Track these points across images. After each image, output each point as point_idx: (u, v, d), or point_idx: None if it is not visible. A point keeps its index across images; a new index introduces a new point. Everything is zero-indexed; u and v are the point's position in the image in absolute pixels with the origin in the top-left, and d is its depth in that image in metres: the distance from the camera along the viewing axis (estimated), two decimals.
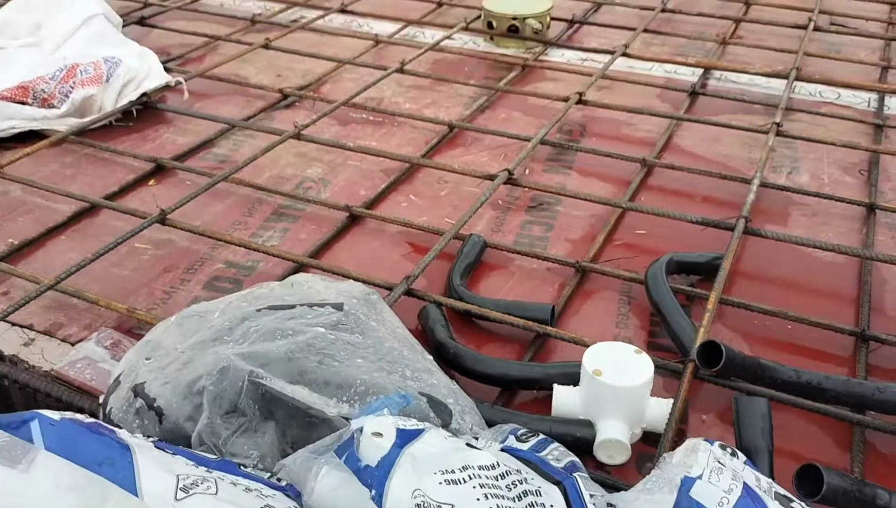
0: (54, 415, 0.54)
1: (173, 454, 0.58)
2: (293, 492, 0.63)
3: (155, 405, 0.71)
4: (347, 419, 0.71)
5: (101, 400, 0.83)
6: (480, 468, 0.58)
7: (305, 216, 1.24)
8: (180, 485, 0.49)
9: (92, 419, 0.56)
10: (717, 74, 1.76)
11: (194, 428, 0.69)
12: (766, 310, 0.99)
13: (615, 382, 0.79)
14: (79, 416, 0.57)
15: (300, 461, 0.64)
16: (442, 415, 0.73)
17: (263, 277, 1.09)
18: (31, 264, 1.12)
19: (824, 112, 1.59)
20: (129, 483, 0.49)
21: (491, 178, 1.26)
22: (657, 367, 0.84)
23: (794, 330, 0.99)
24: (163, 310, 1.03)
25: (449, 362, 0.90)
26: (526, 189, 1.27)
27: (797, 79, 1.65)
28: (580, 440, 0.79)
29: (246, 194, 1.30)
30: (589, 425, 0.80)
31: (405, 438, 0.60)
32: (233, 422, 0.69)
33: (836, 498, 0.70)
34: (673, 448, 0.78)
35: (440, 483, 0.56)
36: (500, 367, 0.87)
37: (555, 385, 0.84)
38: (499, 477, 0.57)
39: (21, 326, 1.00)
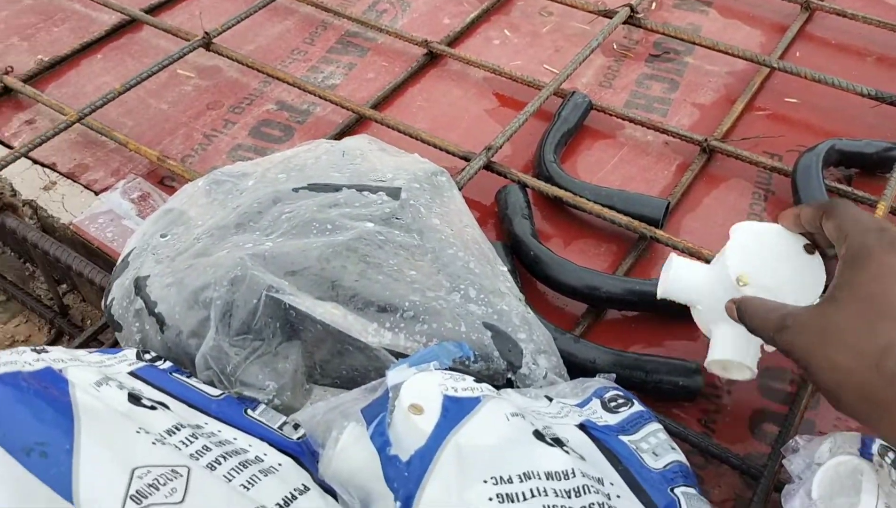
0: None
1: (151, 406, 0.45)
2: (305, 451, 0.50)
3: (156, 310, 0.57)
4: (391, 351, 0.56)
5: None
6: (549, 476, 0.42)
7: (376, 49, 1.04)
8: (132, 490, 0.36)
9: (45, 366, 0.43)
10: None
11: (199, 346, 0.56)
12: None
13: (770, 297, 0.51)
14: (27, 358, 0.43)
15: (320, 416, 0.50)
16: (509, 356, 0.57)
17: (319, 124, 0.92)
18: (61, 88, 0.98)
19: None
20: (63, 485, 0.35)
21: (608, 15, 1.01)
22: None
23: None
24: (201, 159, 0.88)
25: (526, 264, 0.72)
26: (650, 31, 1.02)
27: None
28: (683, 390, 0.63)
29: (309, 14, 1.09)
30: (697, 372, 0.63)
31: (453, 416, 0.45)
32: (246, 345, 0.55)
33: None
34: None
35: (490, 500, 0.41)
36: (590, 280, 0.70)
37: (672, 256, 0.60)
38: (572, 494, 0.42)
39: (43, 165, 0.88)
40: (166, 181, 0.85)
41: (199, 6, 1.10)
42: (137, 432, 0.40)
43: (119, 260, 0.66)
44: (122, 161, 0.87)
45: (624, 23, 1.00)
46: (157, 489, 0.37)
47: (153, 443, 0.40)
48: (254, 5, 1.01)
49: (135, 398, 0.44)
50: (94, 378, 0.44)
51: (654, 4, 1.10)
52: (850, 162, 0.83)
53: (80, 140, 0.90)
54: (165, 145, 0.89)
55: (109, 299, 0.62)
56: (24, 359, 0.42)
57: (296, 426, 0.52)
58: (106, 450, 0.38)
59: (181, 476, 0.38)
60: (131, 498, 0.36)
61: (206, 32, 0.96)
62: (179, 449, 0.41)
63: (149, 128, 0.91)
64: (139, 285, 0.60)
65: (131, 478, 0.37)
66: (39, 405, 0.39)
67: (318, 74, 1.00)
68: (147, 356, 0.54)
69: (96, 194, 0.84)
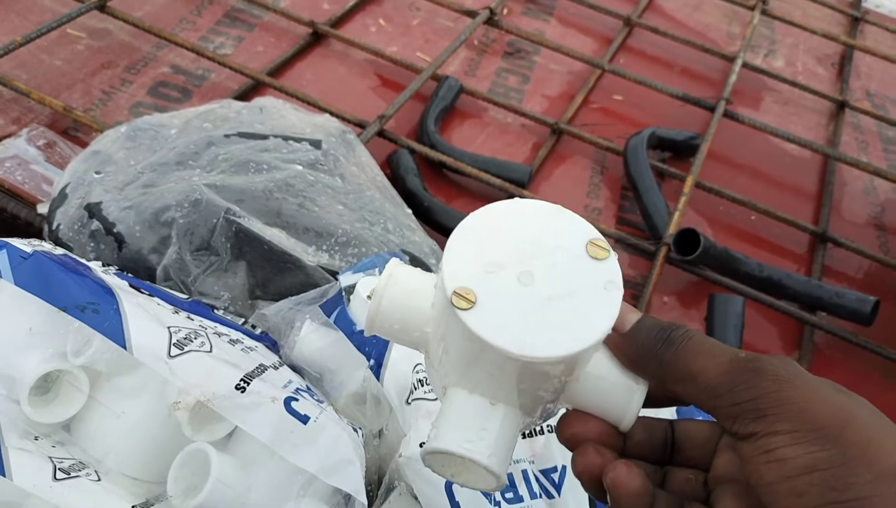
0: (24, 245, 0.47)
1: (149, 294, 0.53)
2: (269, 341, 0.59)
3: (115, 230, 0.64)
4: (326, 269, 0.67)
5: (39, 210, 0.75)
6: None
7: (263, 26, 1.12)
8: (174, 340, 0.45)
9: (63, 252, 0.49)
10: None
11: (159, 261, 0.63)
12: (735, 198, 0.99)
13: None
14: (46, 246, 0.50)
15: (283, 312, 0.60)
16: None
17: (216, 89, 0.99)
18: None
19: None
20: (116, 334, 0.43)
21: (471, 14, 1.17)
22: (628, 244, 0.84)
23: (758, 221, 1.00)
24: (102, 113, 0.92)
25: (420, 214, 0.85)
26: (503, 32, 1.19)
27: None
28: None
29: None
30: None
31: None
32: (203, 260, 0.64)
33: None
34: None
35: None
36: None
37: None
38: None
39: None
40: (70, 131, 0.88)
41: None
42: (158, 304, 0.49)
43: (54, 193, 0.71)
44: (21, 111, 0.89)
45: (484, 23, 1.16)
46: (191, 341, 0.46)
47: (172, 314, 0.49)
48: None
49: (135, 288, 0.52)
50: (99, 268, 0.51)
51: (505, 10, 1.28)
52: (664, 146, 1.04)
53: None
54: (64, 99, 0.92)
55: (55, 224, 0.67)
56: (45, 246, 0.49)
57: (253, 327, 0.62)
58: (144, 312, 0.46)
59: (203, 335, 0.47)
60: (174, 345, 0.44)
61: None
62: (191, 320, 0.50)
63: (45, 81, 0.94)
64: (92, 210, 0.65)
65: (170, 333, 0.45)
66: (79, 277, 0.46)
67: (208, 43, 1.06)
68: (112, 269, 0.61)
69: None
